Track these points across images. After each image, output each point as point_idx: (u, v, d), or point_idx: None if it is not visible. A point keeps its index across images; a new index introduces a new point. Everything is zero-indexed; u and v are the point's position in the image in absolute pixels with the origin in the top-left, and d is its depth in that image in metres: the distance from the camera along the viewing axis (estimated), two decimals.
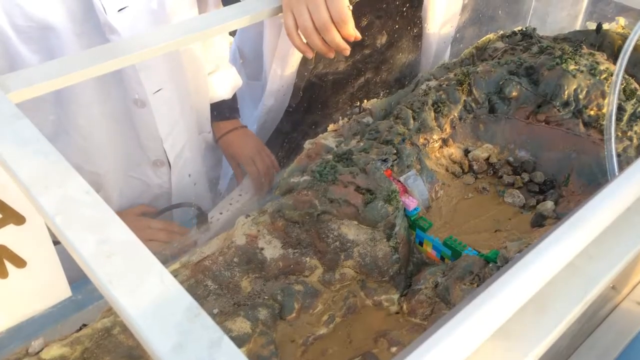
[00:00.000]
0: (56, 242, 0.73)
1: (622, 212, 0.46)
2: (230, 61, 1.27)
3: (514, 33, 1.14)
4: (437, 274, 0.80)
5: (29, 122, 0.53)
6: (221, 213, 1.07)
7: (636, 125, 0.94)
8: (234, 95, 1.22)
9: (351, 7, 0.83)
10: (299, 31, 0.85)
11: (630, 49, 0.94)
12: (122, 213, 1.05)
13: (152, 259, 0.40)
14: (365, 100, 1.01)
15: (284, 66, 1.10)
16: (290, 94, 1.13)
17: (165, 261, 0.87)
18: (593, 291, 0.41)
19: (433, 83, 1.03)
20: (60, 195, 0.44)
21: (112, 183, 1.03)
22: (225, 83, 1.17)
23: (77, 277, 0.81)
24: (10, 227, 0.69)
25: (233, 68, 1.23)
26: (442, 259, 0.84)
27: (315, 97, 1.14)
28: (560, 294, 0.41)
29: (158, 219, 1.03)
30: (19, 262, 0.72)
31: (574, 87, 0.95)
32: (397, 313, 0.83)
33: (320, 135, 0.97)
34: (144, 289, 0.38)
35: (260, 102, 1.18)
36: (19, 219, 0.69)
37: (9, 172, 0.48)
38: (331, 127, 0.98)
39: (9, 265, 0.71)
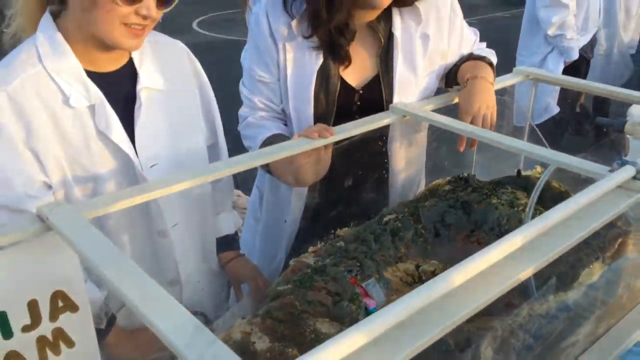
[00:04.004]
0: (98, 329, 0.98)
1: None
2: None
3: (459, 178, 1.46)
4: None
5: (98, 231, 0.82)
6: (224, 322, 1.30)
7: None
8: (236, 231, 1.51)
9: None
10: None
11: (540, 188, 1.25)
12: (140, 331, 1.28)
13: (190, 316, 0.66)
14: (339, 229, 1.29)
15: None
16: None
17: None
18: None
19: (392, 216, 1.32)
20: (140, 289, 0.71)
21: None
22: (229, 221, 1.47)
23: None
24: (67, 314, 0.93)
25: (235, 210, 1.54)
26: None
27: (305, 223, 1.46)
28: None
29: None
30: (70, 343, 0.95)
31: (496, 216, 1.23)
32: None
33: (302, 255, 1.24)
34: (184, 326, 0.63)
35: None
36: (74, 308, 0.94)
37: (97, 270, 0.75)
38: (311, 249, 1.25)
39: (62, 345, 0.94)
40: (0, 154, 1.02)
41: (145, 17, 1.05)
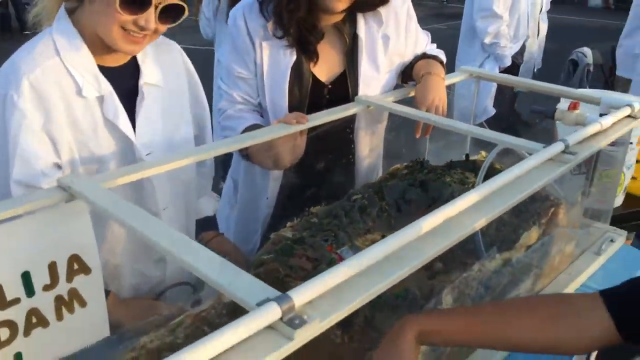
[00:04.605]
0: (107, 291, 1.09)
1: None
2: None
3: (415, 162, 1.65)
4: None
5: (117, 195, 0.94)
6: (209, 292, 1.43)
7: None
8: (214, 214, 1.64)
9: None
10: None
11: (486, 168, 1.44)
12: (135, 299, 1.40)
13: (214, 254, 0.80)
14: (312, 207, 1.45)
15: None
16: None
17: (174, 316, 1.21)
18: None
19: (359, 195, 1.49)
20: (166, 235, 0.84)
21: (125, 274, 1.39)
22: (209, 204, 1.60)
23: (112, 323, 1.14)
24: (81, 276, 1.04)
25: (213, 196, 1.67)
26: None
27: (280, 204, 1.61)
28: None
29: (163, 303, 1.38)
30: (82, 303, 1.06)
31: (450, 192, 1.42)
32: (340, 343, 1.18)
33: (282, 229, 1.38)
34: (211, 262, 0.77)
35: None
36: (87, 271, 1.05)
37: (124, 223, 0.87)
38: (289, 224, 1.40)
39: (75, 304, 1.05)
40: (23, 135, 1.11)
41: (142, 28, 1.14)
